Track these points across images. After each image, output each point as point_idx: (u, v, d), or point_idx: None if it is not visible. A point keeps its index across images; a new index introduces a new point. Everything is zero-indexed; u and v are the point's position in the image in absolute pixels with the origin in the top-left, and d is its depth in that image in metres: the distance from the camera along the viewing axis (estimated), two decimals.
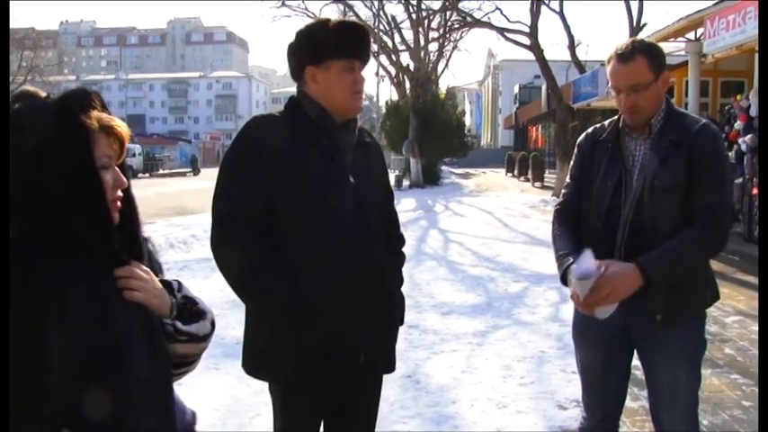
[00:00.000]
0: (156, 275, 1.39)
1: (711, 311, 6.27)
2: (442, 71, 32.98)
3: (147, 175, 45.27)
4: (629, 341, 2.38)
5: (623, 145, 2.37)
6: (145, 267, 1.34)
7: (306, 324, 1.94)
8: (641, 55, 2.25)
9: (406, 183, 28.41)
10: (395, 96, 33.63)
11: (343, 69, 2.02)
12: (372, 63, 31.48)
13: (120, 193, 1.31)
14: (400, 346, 5.19)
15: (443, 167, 33.47)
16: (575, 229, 2.40)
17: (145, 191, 27.48)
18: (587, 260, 2.11)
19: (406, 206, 19.02)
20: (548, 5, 21.76)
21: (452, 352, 5.12)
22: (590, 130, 2.51)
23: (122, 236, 1.32)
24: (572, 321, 2.52)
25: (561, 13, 21.44)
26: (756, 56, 10.91)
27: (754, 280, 7.79)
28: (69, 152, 1.24)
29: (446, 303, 6.81)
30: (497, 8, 26.44)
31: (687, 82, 13.36)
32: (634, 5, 19.75)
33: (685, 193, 2.24)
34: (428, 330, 5.71)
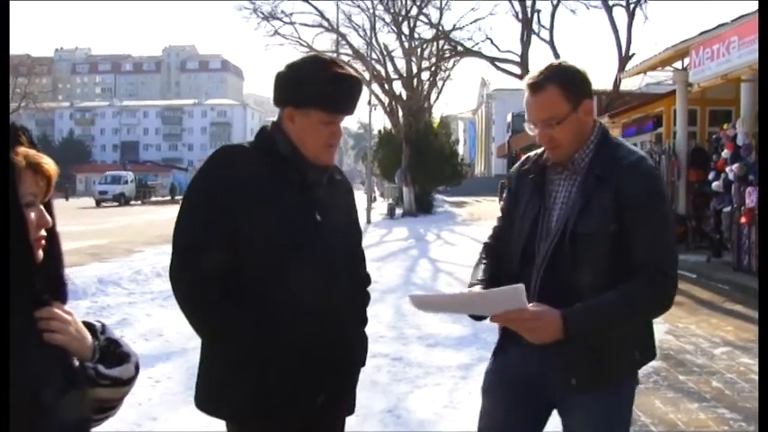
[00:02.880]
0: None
1: (700, 342, 6.23)
2: (435, 100, 33.24)
3: (140, 202, 45.18)
4: (546, 396, 2.05)
5: (547, 179, 2.09)
6: (67, 309, 1.30)
7: (263, 360, 1.88)
8: (552, 84, 1.96)
9: (398, 211, 28.38)
10: (388, 125, 33.77)
11: (321, 122, 1.95)
12: (365, 92, 31.59)
13: (43, 232, 1.27)
14: (383, 379, 5.24)
15: (437, 196, 33.53)
16: (496, 264, 2.14)
17: (136, 218, 27.42)
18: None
19: (397, 235, 19.01)
20: (538, 35, 22.00)
21: (436, 386, 5.03)
22: (522, 158, 2.24)
23: (45, 276, 1.28)
24: (484, 374, 2.20)
25: (551, 43, 21.69)
26: (742, 85, 11.01)
27: (743, 310, 7.74)
28: None
29: (432, 335, 6.71)
30: (488, 38, 26.71)
31: (675, 111, 13.44)
32: (623, 35, 19.98)
33: (615, 241, 1.92)
34: (412, 363, 5.62)
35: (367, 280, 2.24)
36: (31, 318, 1.24)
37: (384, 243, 16.83)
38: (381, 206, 33.05)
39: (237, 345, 1.89)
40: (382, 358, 5.77)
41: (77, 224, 23.74)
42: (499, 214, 2.28)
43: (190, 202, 1.97)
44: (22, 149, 1.25)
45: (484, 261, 2.19)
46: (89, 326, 1.36)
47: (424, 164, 28.53)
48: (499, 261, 2.16)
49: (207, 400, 2.01)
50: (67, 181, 71.03)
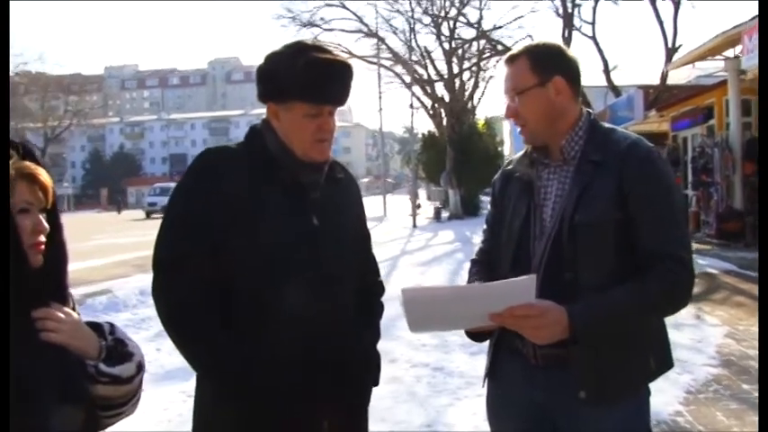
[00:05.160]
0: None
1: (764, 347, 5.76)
2: (479, 101, 32.84)
3: None
4: (555, 422, 1.85)
5: (535, 176, 1.91)
6: (67, 309, 1.36)
7: (256, 388, 1.67)
8: (524, 56, 1.87)
9: (444, 215, 28.13)
10: (432, 128, 33.57)
11: (305, 115, 1.75)
12: (406, 94, 31.53)
13: (42, 238, 1.34)
14: (422, 391, 5.00)
15: (483, 198, 33.17)
16: (488, 276, 1.92)
17: None
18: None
19: (443, 239, 18.78)
20: (579, 30, 21.49)
21: (477, 397, 4.74)
22: (506, 162, 2.09)
23: (45, 279, 1.34)
24: (485, 399, 2.04)
25: (594, 38, 21.14)
26: None
27: None
28: None
29: (475, 342, 6.43)
30: (529, 35, 26.13)
31: (728, 101, 12.87)
32: (669, 26, 19.34)
33: (620, 232, 1.74)
34: (453, 373, 5.36)
35: (378, 289, 2.01)
36: (26, 318, 1.28)
37: (429, 247, 16.60)
38: (428, 209, 32.86)
39: (226, 376, 1.69)
40: (423, 368, 5.55)
41: (126, 236, 24.22)
42: (485, 226, 2.09)
43: (171, 214, 1.78)
44: (13, 161, 1.33)
45: (475, 276, 2.00)
46: (97, 326, 1.42)
47: (468, 166, 28.22)
48: (491, 272, 1.94)
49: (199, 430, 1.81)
50: (119, 194, 72.87)
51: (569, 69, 1.88)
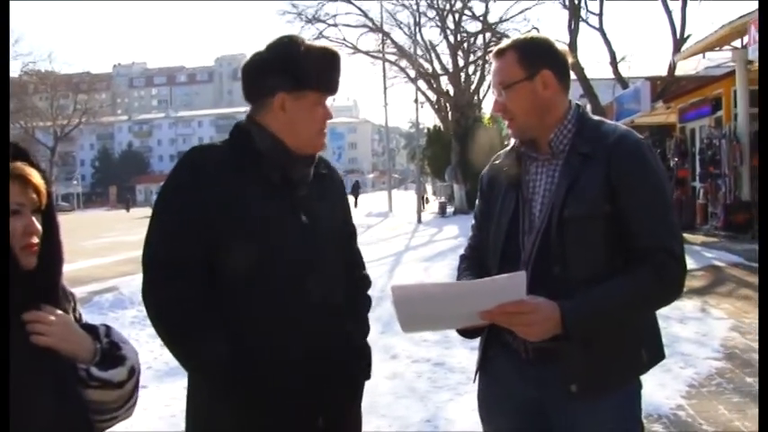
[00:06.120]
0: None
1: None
2: (485, 95, 32.67)
3: None
4: (548, 416, 1.83)
5: (523, 169, 1.90)
6: (59, 312, 1.34)
7: (249, 388, 1.67)
8: (513, 50, 1.85)
9: (450, 209, 28.06)
10: (437, 122, 33.48)
11: (316, 103, 1.80)
12: (412, 89, 31.44)
13: (35, 239, 1.33)
14: (422, 386, 4.98)
15: None
16: (478, 272, 1.91)
17: None
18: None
19: (448, 234, 18.72)
20: (586, 22, 21.32)
21: None
22: (494, 157, 2.06)
23: (38, 281, 1.34)
24: (477, 395, 2.02)
25: (601, 29, 20.96)
26: None
27: None
28: None
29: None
30: (534, 28, 25.99)
31: (735, 92, 12.75)
32: (677, 17, 19.18)
33: (610, 225, 1.72)
34: (455, 369, 5.34)
35: (364, 283, 2.02)
36: (16, 321, 1.27)
37: (433, 242, 16.56)
38: (433, 204, 32.78)
39: (222, 377, 1.68)
40: (424, 363, 5.54)
41: (134, 234, 24.27)
42: (473, 222, 2.07)
43: (161, 213, 1.77)
44: None
45: (464, 273, 1.98)
46: (91, 328, 1.41)
47: (474, 160, 28.12)
48: (480, 268, 1.92)
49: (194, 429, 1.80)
50: (128, 192, 73.18)
51: (557, 63, 1.86)
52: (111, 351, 1.40)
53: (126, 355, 1.41)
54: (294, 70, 1.75)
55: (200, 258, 1.69)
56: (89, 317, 1.50)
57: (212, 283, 1.70)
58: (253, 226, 1.71)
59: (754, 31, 10.59)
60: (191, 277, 1.68)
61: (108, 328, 1.44)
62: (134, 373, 1.41)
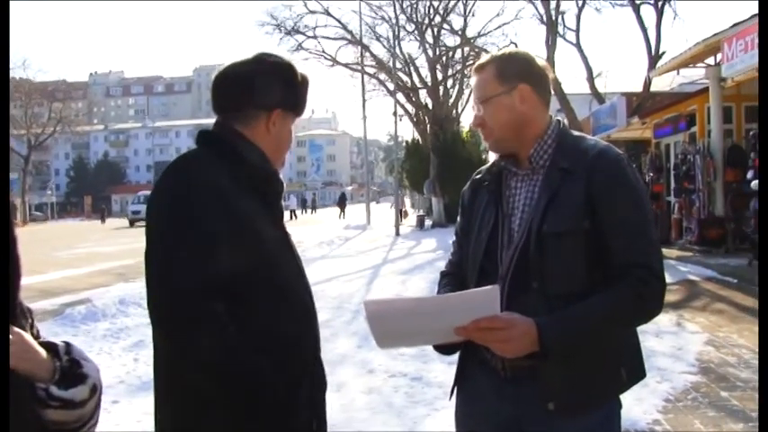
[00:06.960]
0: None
1: (743, 354, 5.75)
2: (463, 109, 32.87)
3: None
4: None
5: (504, 185, 1.89)
6: (16, 329, 1.26)
7: (250, 390, 1.61)
8: (491, 65, 1.86)
9: (428, 222, 28.12)
10: (416, 135, 33.57)
11: (292, 123, 1.85)
12: (391, 102, 31.49)
13: None
14: (399, 401, 4.95)
15: None
16: (459, 287, 1.88)
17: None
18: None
19: (426, 247, 18.74)
20: (563, 37, 21.58)
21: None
22: (475, 173, 2.04)
23: None
24: (454, 412, 1.96)
25: (578, 45, 21.23)
26: None
27: None
28: None
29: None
30: (513, 43, 26.21)
31: (709, 108, 12.95)
32: (652, 34, 19.47)
33: (589, 241, 1.71)
34: (432, 383, 5.30)
35: None
36: None
37: (411, 255, 16.55)
38: (412, 218, 32.79)
39: (264, 392, 1.61)
40: (401, 378, 5.50)
41: (109, 245, 23.99)
42: (454, 238, 2.06)
43: (180, 230, 1.58)
44: None
45: (444, 289, 1.97)
46: (50, 346, 1.34)
47: (453, 174, 28.24)
48: (461, 284, 1.90)
49: None
50: (104, 202, 72.29)
51: (536, 78, 1.86)
52: (72, 369, 1.34)
53: (87, 373, 1.36)
54: (295, 91, 1.80)
55: (229, 277, 1.59)
56: (60, 329, 1.46)
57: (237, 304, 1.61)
58: (258, 240, 1.68)
59: (727, 49, 10.77)
60: (223, 302, 1.57)
61: (68, 344, 1.38)
62: (96, 391, 1.36)
